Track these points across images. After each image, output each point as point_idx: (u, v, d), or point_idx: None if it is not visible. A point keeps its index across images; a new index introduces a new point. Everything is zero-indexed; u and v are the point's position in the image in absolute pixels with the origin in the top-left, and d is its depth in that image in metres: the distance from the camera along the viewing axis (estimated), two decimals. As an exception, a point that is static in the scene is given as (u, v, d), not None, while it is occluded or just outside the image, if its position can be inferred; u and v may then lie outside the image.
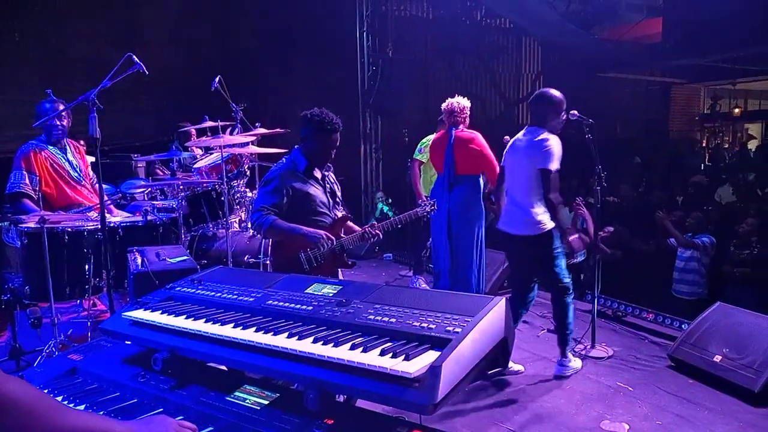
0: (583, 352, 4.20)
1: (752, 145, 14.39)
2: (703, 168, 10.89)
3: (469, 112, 4.76)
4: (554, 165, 3.57)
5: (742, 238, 5.32)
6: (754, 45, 8.86)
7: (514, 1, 10.07)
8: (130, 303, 1.95)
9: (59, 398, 1.61)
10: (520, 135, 3.87)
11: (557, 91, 3.76)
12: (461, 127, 4.65)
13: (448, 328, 1.38)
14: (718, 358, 3.74)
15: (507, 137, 5.31)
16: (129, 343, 1.87)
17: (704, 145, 14.40)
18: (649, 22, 10.90)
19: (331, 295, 1.71)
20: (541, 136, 3.63)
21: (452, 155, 4.57)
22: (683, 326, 4.41)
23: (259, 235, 3.23)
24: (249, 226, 3.06)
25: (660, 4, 10.54)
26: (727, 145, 14.80)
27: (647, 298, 5.26)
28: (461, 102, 4.70)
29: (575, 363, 3.94)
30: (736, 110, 14.92)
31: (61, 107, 3.95)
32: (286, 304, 1.69)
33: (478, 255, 4.60)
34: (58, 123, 4.08)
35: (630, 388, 3.69)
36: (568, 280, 3.80)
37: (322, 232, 2.98)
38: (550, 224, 3.66)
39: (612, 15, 11.58)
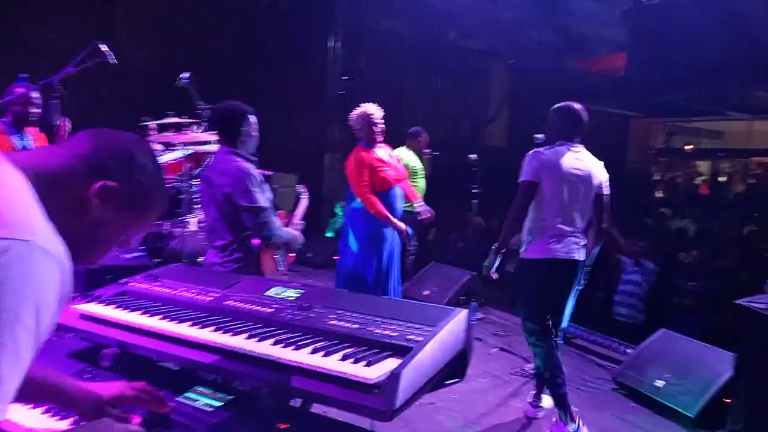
0: (533, 371, 4.26)
1: (699, 181, 15.08)
2: (657, 198, 11.31)
3: (373, 122, 4.12)
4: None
5: (686, 269, 5.53)
6: (710, 87, 9.31)
7: (488, 23, 10.32)
8: (80, 296, 1.88)
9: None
10: (566, 150, 3.22)
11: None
12: (367, 141, 4.17)
13: (409, 337, 1.39)
14: (659, 383, 3.86)
15: (473, 156, 5.42)
16: (75, 336, 1.81)
17: (659, 179, 14.96)
18: (614, 57, 11.29)
19: (292, 298, 1.69)
20: (595, 159, 3.30)
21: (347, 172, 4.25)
22: (628, 350, 4.55)
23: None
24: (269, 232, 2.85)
25: (625, 40, 10.94)
26: (680, 180, 15.45)
27: (594, 321, 5.39)
28: (366, 110, 4.17)
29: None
30: (689, 147, 15.58)
31: (33, 93, 3.81)
32: (246, 306, 1.67)
33: (372, 284, 4.14)
34: (30, 110, 3.92)
35: (575, 409, 3.75)
36: None
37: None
38: None
39: (580, 47, 11.97)
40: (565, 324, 3.47)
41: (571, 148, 3.23)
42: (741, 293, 3.20)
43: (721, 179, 15.09)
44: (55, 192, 0.93)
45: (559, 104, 3.34)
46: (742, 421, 2.94)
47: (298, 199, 3.70)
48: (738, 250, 6.30)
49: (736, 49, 7.74)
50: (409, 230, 4.35)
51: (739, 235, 7.19)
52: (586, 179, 3.22)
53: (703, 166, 16.05)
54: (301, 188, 3.92)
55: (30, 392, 1.22)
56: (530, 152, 3.24)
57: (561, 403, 3.23)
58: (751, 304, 2.88)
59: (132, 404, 1.33)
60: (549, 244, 3.15)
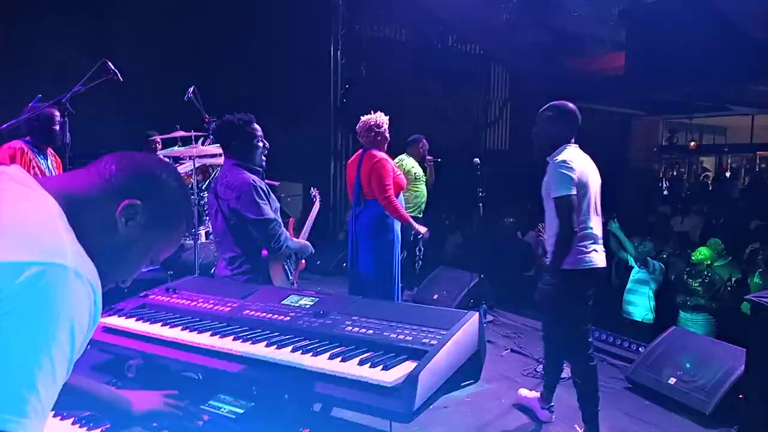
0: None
1: (704, 177, 15.07)
2: (664, 196, 11.31)
3: (381, 131, 4.32)
4: None
5: (694, 267, 5.53)
6: (709, 83, 9.34)
7: (485, 27, 10.39)
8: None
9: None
10: (580, 154, 3.14)
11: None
12: (375, 147, 4.30)
13: (424, 340, 1.43)
14: (672, 381, 3.87)
15: (477, 159, 5.45)
16: (97, 349, 1.85)
17: (662, 175, 14.96)
18: (613, 56, 11.33)
19: (308, 306, 1.73)
20: None
21: (359, 177, 4.28)
22: (640, 349, 4.55)
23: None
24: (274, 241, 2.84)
25: (623, 39, 10.98)
26: (685, 176, 15.44)
27: (604, 320, 5.41)
28: (377, 118, 4.33)
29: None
30: (692, 143, 15.58)
31: (56, 113, 3.85)
32: (264, 315, 1.71)
33: (385, 289, 4.21)
34: (56, 129, 3.96)
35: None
36: None
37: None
38: None
39: (578, 47, 12.00)
40: None
41: (578, 149, 3.15)
42: (750, 289, 3.22)
43: (726, 174, 15.07)
44: (84, 214, 0.97)
45: (553, 104, 3.19)
46: (755, 417, 2.95)
47: (312, 203, 3.76)
48: (745, 245, 6.30)
49: (734, 45, 7.76)
50: (426, 232, 4.49)
51: (746, 230, 7.18)
52: (599, 180, 3.18)
53: (707, 161, 16.05)
54: (313, 192, 3.98)
55: (67, 400, 1.27)
56: (558, 164, 3.01)
57: (595, 423, 3.18)
58: (761, 299, 2.89)
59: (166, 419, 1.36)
60: (589, 253, 3.05)
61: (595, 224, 3.10)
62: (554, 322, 3.32)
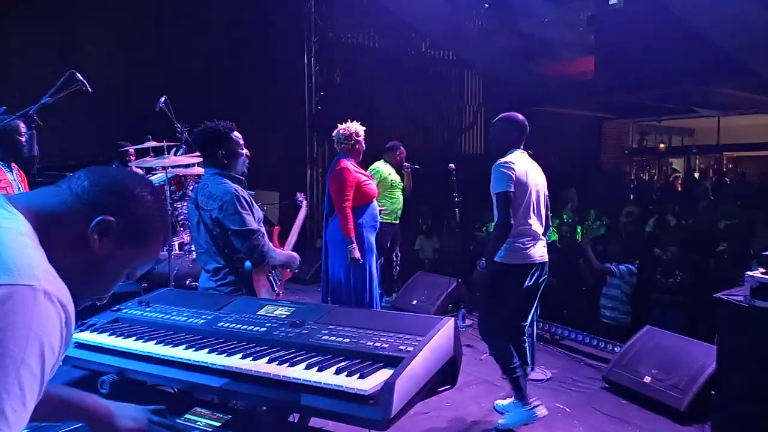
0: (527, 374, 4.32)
1: (673, 178, 15.40)
2: (632, 198, 11.51)
3: (359, 140, 4.35)
4: None
5: (665, 267, 5.63)
6: (676, 86, 9.57)
7: (457, 33, 10.51)
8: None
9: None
10: (524, 158, 3.44)
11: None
12: (349, 155, 4.32)
13: (400, 347, 1.43)
14: (647, 379, 3.93)
15: (451, 165, 5.49)
16: (70, 365, 1.82)
17: (632, 177, 15.25)
18: (582, 60, 11.54)
19: (284, 316, 1.73)
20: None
21: (328, 186, 4.33)
22: (616, 349, 4.62)
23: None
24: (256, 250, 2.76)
25: (592, 44, 11.20)
26: (655, 178, 15.76)
27: (583, 322, 5.48)
28: (356, 127, 4.36)
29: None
30: (662, 146, 15.93)
31: (22, 126, 3.75)
32: (239, 326, 1.70)
33: (358, 297, 4.19)
34: (22, 140, 3.86)
35: (567, 409, 3.82)
36: None
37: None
38: None
39: (548, 52, 12.20)
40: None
41: (525, 154, 3.47)
42: (720, 287, 3.29)
43: (695, 175, 15.42)
44: (56, 232, 0.95)
45: (504, 115, 3.55)
46: (726, 413, 3.01)
47: (298, 209, 3.74)
48: (716, 244, 6.45)
49: (699, 49, 7.98)
50: (356, 261, 4.21)
51: (715, 230, 7.36)
52: (544, 183, 3.50)
53: (677, 163, 16.41)
54: (299, 196, 3.95)
55: (49, 411, 1.23)
56: (499, 164, 3.32)
57: (518, 386, 3.46)
58: (729, 296, 2.96)
59: None
60: (527, 249, 3.33)
61: (534, 222, 3.39)
62: (490, 312, 3.52)
